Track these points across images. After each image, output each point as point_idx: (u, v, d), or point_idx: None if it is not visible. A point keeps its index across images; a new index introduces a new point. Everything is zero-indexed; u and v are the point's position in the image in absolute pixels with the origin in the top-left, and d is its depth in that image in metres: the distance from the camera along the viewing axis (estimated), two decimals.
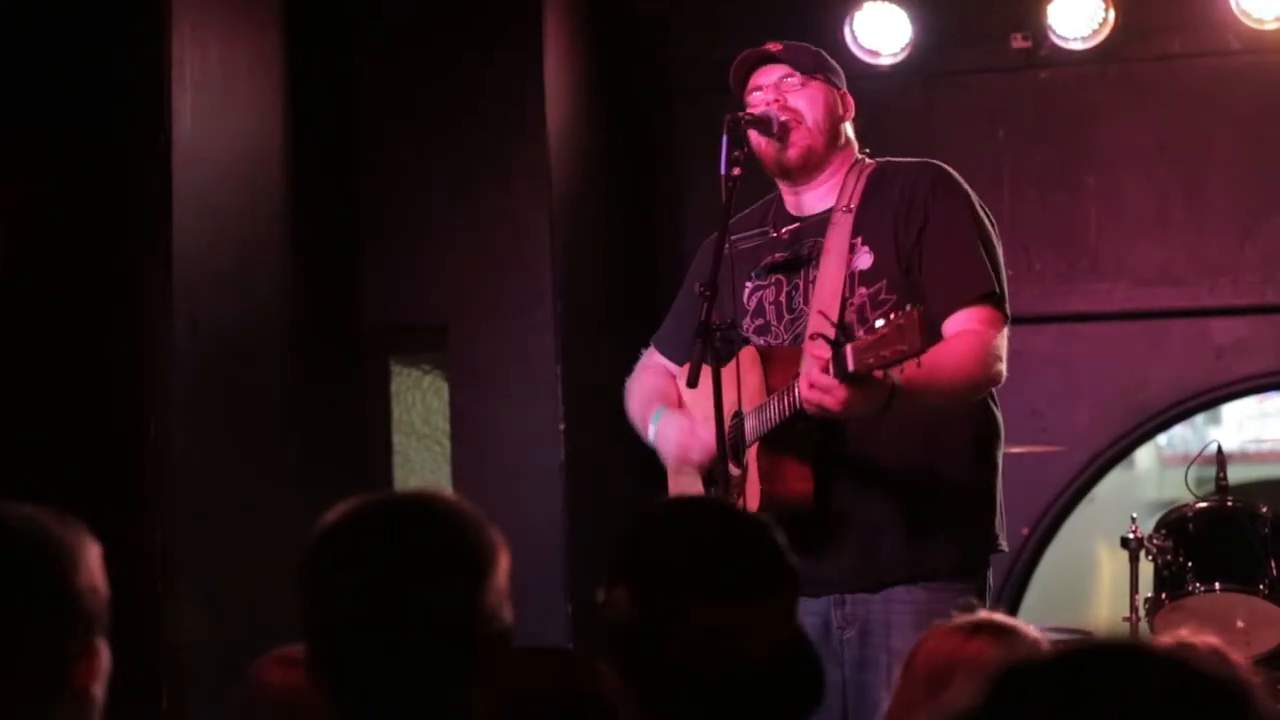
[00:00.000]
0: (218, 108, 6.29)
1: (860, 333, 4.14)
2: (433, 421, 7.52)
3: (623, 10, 7.98)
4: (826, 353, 3.97)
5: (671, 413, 4.67)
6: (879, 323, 3.90)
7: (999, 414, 4.57)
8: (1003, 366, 4.36)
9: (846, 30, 7.50)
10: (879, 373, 3.94)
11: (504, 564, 2.48)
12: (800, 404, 4.13)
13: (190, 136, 6.06)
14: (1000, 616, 3.15)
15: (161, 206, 5.95)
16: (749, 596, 2.63)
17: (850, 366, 3.93)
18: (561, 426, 7.03)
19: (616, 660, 2.62)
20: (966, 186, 4.56)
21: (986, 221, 4.53)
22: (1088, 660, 1.51)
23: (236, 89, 6.45)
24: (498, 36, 7.22)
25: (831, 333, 4.03)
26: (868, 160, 4.66)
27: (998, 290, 4.40)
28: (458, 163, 7.20)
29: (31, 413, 5.85)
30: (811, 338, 4.10)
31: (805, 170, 4.59)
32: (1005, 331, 4.41)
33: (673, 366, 4.85)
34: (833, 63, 4.71)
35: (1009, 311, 4.45)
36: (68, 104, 5.93)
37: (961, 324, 4.35)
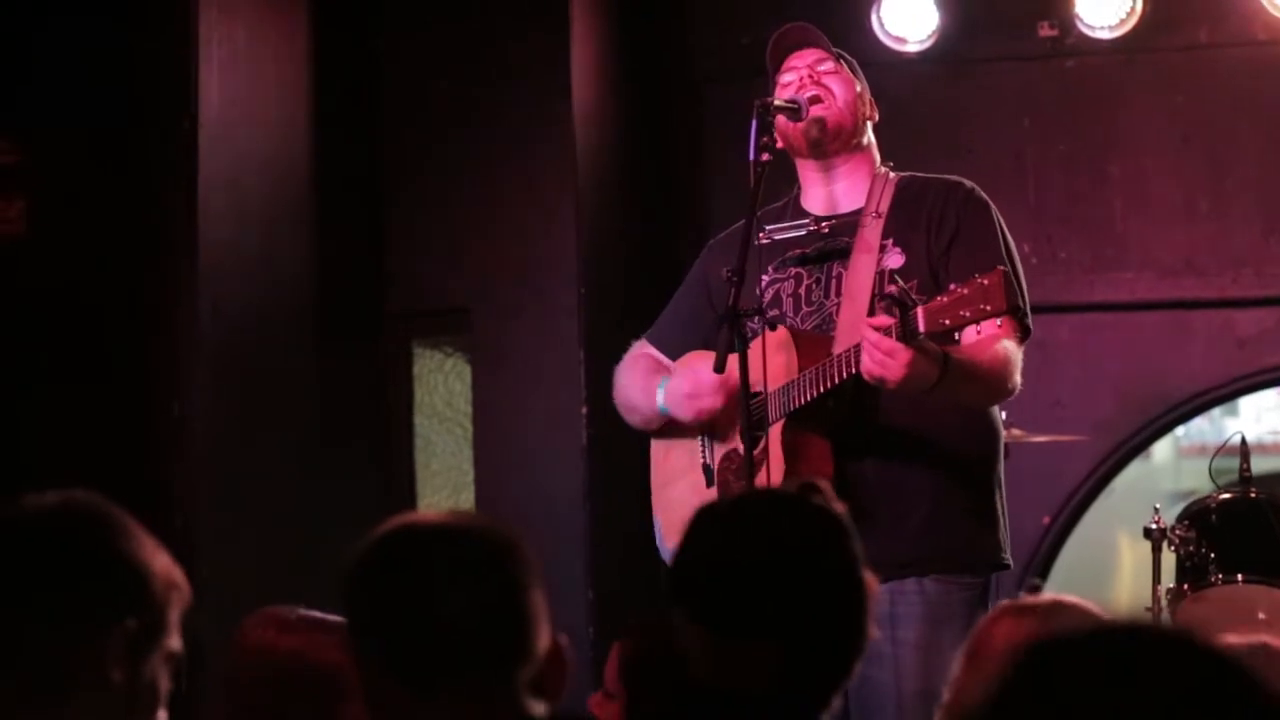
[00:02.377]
0: (244, 90, 6.30)
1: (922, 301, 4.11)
2: (455, 404, 7.52)
3: None
4: (888, 320, 3.98)
5: (675, 375, 4.67)
6: (954, 285, 3.93)
7: (1002, 435, 4.62)
8: (1019, 379, 4.40)
9: (874, 17, 7.49)
10: (934, 346, 3.98)
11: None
12: (843, 374, 4.16)
13: (217, 118, 6.07)
14: (1073, 598, 3.10)
15: (187, 188, 5.96)
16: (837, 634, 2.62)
17: (922, 327, 3.95)
18: (584, 410, 7.03)
19: (650, 679, 2.59)
20: (994, 206, 4.59)
21: (1010, 242, 4.56)
22: (1134, 648, 1.51)
23: (263, 72, 6.46)
24: (524, 20, 7.22)
25: (894, 303, 4.02)
26: (891, 173, 4.68)
27: (1022, 305, 4.41)
28: (483, 146, 7.21)
29: (55, 395, 5.86)
30: (882, 297, 4.08)
31: (832, 146, 4.60)
32: (1022, 349, 4.44)
33: (665, 359, 4.84)
34: (862, 73, 4.74)
35: (1030, 325, 4.48)
36: (95, 85, 5.94)
37: (990, 330, 4.34)
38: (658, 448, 4.85)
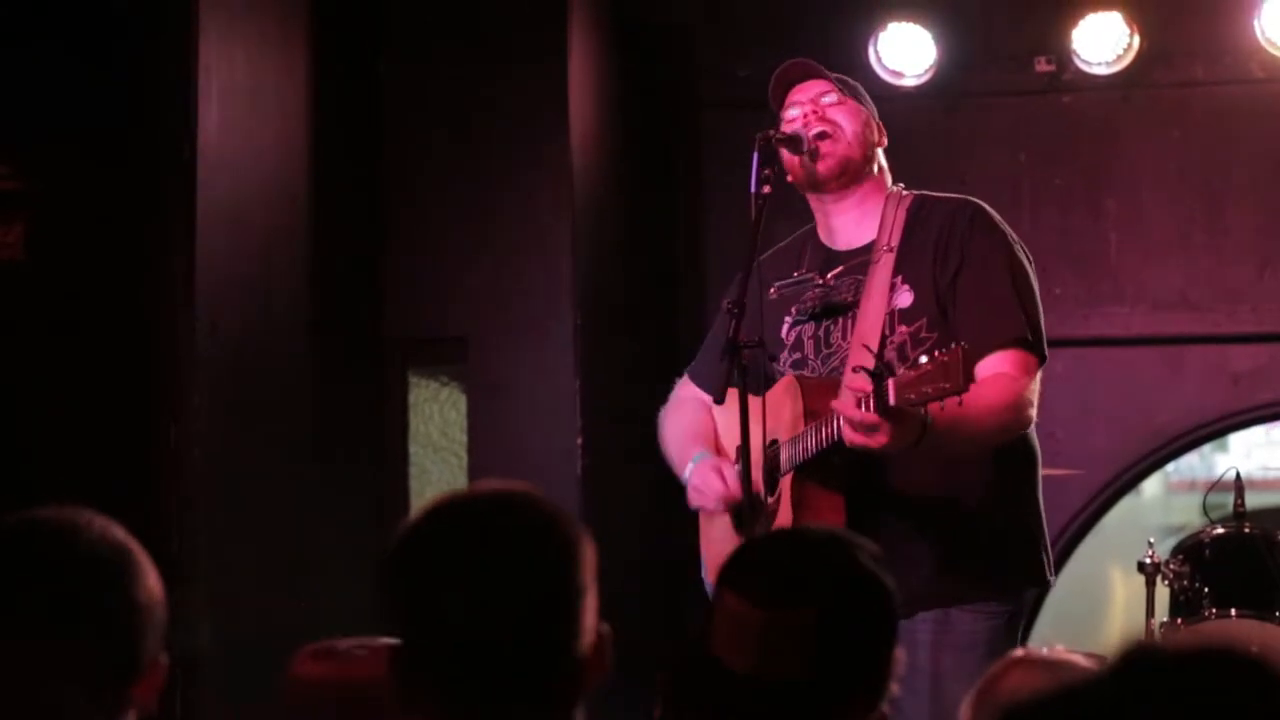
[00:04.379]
0: (244, 116, 6.31)
1: (901, 369, 4.14)
2: (450, 434, 7.52)
3: (647, 24, 8.00)
4: (867, 385, 3.97)
5: (707, 459, 4.64)
6: (923, 359, 3.91)
7: (1036, 444, 4.57)
8: (1033, 411, 4.39)
9: (871, 51, 7.52)
10: (915, 409, 3.96)
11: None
12: (839, 437, 4.14)
13: (216, 144, 6.08)
14: (1083, 655, 3.11)
15: (185, 212, 5.96)
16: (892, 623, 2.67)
17: (891, 400, 3.93)
18: (579, 441, 7.03)
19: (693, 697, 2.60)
20: (1004, 225, 4.56)
21: (1024, 260, 4.52)
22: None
23: (263, 98, 6.47)
24: (523, 48, 7.23)
25: (872, 364, 4.03)
26: (903, 192, 4.65)
27: (1030, 335, 4.40)
28: (481, 175, 7.21)
29: (51, 415, 5.86)
30: (854, 370, 4.08)
31: (840, 181, 4.59)
32: (1039, 375, 4.42)
33: (706, 397, 4.79)
34: (866, 95, 4.72)
35: (1045, 353, 4.45)
36: (94, 108, 5.94)
37: (994, 367, 4.34)
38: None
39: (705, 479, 4.57)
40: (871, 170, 4.63)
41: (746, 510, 4.29)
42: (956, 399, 3.85)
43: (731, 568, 2.68)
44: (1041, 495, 4.57)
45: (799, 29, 7.57)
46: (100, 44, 5.98)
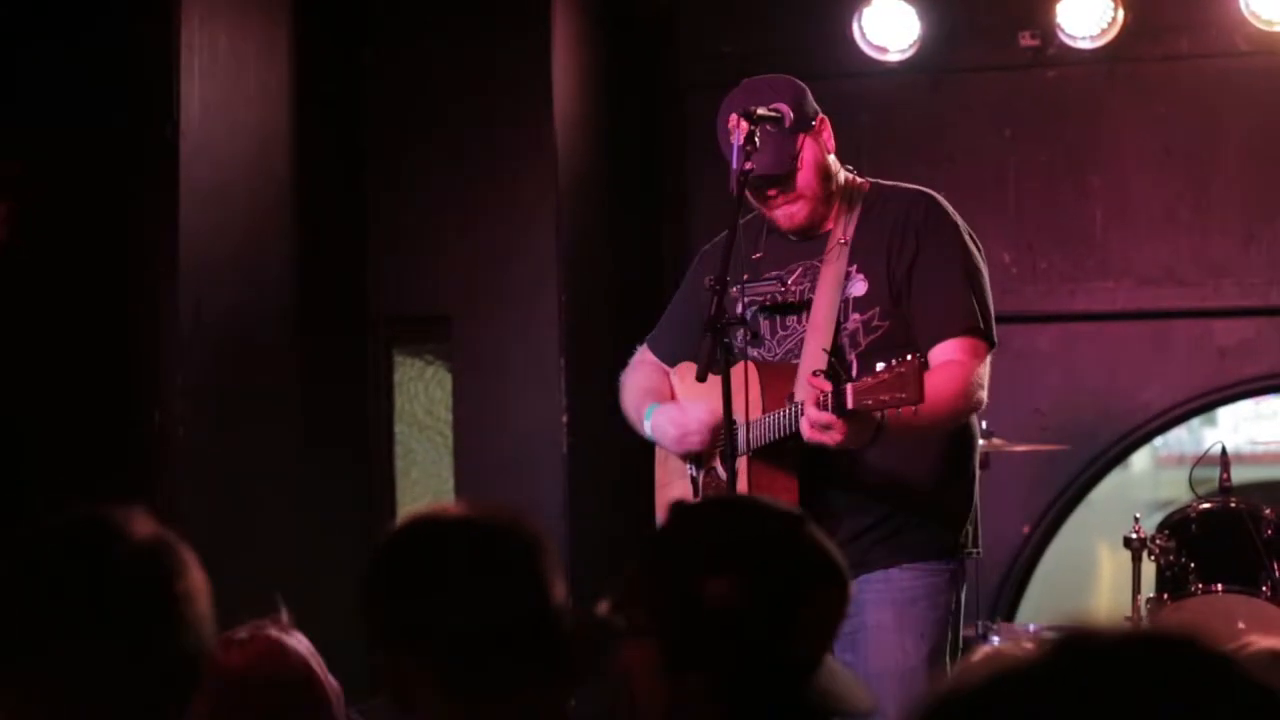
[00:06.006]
0: (226, 97, 6.29)
1: (856, 368, 4.35)
2: (435, 412, 7.51)
3: (631, 3, 7.98)
4: (827, 386, 4.11)
5: (662, 406, 4.80)
6: (879, 365, 4.06)
7: (975, 424, 4.72)
8: (984, 394, 4.52)
9: (855, 26, 7.49)
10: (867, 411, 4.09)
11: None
12: (795, 429, 4.27)
13: (198, 125, 6.06)
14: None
15: (169, 194, 5.95)
16: (839, 581, 2.68)
17: (849, 405, 4.06)
18: (565, 418, 7.03)
19: (714, 656, 2.58)
20: (956, 217, 4.65)
21: (974, 250, 4.63)
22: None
23: (245, 79, 6.45)
24: (506, 28, 7.22)
25: (828, 367, 4.20)
26: (857, 179, 4.72)
27: (981, 324, 4.53)
28: (464, 153, 7.21)
29: (35, 400, 5.85)
30: (814, 374, 4.20)
31: (809, 231, 4.68)
32: (988, 359, 4.55)
33: (664, 365, 4.98)
34: (797, 87, 4.66)
35: (995, 339, 4.58)
36: (77, 92, 5.93)
37: (947, 354, 4.48)
38: (659, 449, 4.93)
39: (668, 416, 4.71)
40: (831, 192, 4.66)
41: (731, 479, 4.34)
42: (912, 409, 4.01)
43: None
44: (976, 471, 4.72)
45: (782, 6, 7.55)
46: (83, 25, 5.96)
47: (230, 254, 6.31)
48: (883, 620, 4.47)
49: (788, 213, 4.61)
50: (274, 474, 6.49)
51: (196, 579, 2.34)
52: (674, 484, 4.84)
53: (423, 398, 7.55)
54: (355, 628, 2.52)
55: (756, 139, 4.43)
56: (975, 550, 4.69)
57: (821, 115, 4.68)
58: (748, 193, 4.52)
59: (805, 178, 4.60)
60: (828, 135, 4.68)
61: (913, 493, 4.57)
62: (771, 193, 4.59)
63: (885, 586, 4.50)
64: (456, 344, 7.33)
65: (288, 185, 6.71)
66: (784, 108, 4.54)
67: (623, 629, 2.53)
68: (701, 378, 4.25)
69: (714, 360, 4.26)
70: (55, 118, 5.93)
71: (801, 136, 4.59)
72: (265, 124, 6.60)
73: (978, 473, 4.73)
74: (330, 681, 3.22)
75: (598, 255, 7.48)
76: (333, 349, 7.14)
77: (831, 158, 4.68)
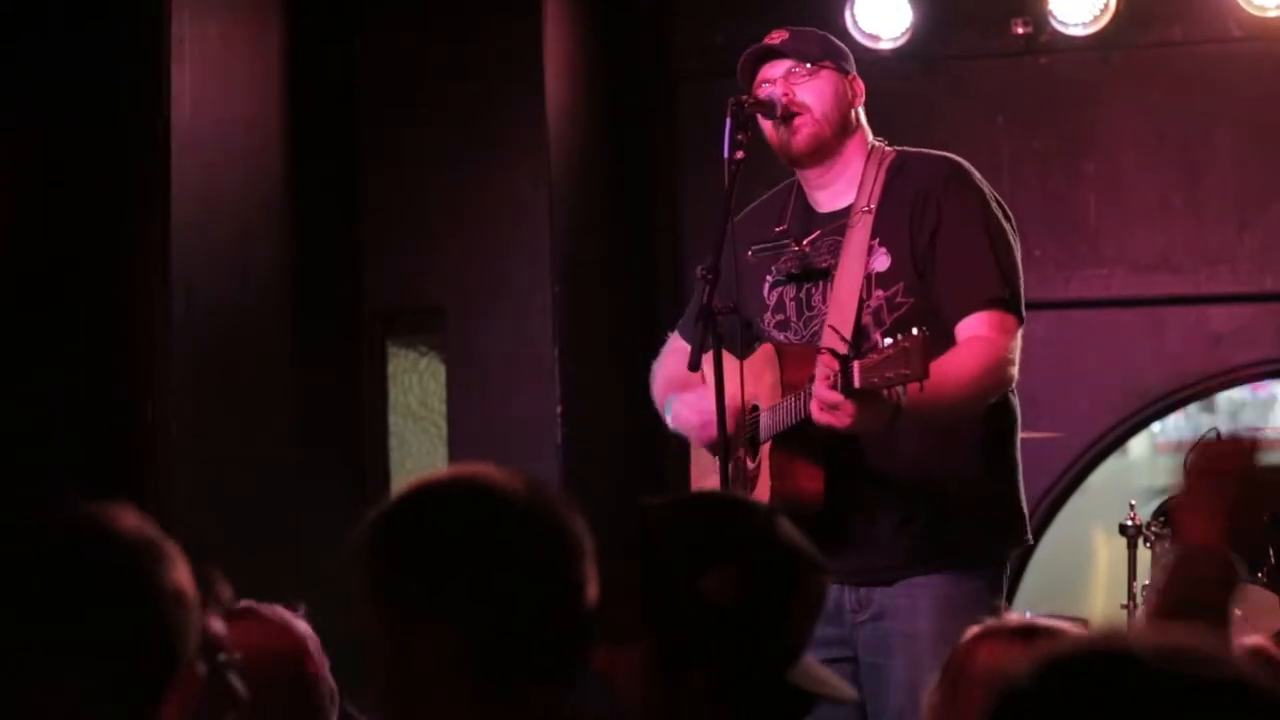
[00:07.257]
0: (217, 88, 6.28)
1: (871, 344, 4.11)
2: (430, 404, 7.50)
3: None
4: (836, 365, 3.95)
5: (681, 395, 4.64)
6: (886, 341, 3.88)
7: (1016, 405, 4.53)
8: (1014, 370, 4.34)
9: (847, 14, 7.48)
10: (885, 390, 3.93)
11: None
12: (809, 412, 4.11)
13: (189, 116, 6.05)
14: (1053, 621, 3.08)
15: (160, 185, 5.94)
16: (822, 569, 2.66)
17: (856, 383, 3.91)
18: (559, 410, 7.02)
19: (714, 654, 2.56)
20: (983, 183, 4.49)
21: (1002, 219, 4.47)
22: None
23: (236, 69, 6.44)
24: (498, 18, 7.21)
25: (841, 346, 4.03)
26: (885, 148, 4.58)
27: (1008, 295, 4.36)
28: (457, 144, 7.19)
29: (27, 392, 5.83)
30: (823, 351, 4.05)
31: (815, 158, 4.51)
32: (1019, 334, 4.38)
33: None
34: (840, 46, 4.62)
35: (1023, 313, 4.41)
36: (67, 82, 5.91)
37: (972, 329, 4.31)
38: (693, 459, 4.83)
39: (688, 404, 4.57)
40: (846, 139, 4.54)
41: (724, 472, 4.28)
42: (917, 385, 3.83)
43: None
44: (1020, 456, 4.54)
45: None
46: (73, 14, 5.95)
47: (222, 245, 6.30)
48: (919, 629, 4.28)
49: (794, 125, 4.46)
50: (267, 466, 6.48)
51: (182, 575, 2.30)
52: (709, 476, 4.64)
53: (417, 389, 7.54)
54: (349, 620, 2.48)
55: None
56: (1027, 539, 4.54)
57: (856, 76, 4.58)
58: (762, 119, 4.45)
59: (815, 97, 4.47)
60: (860, 90, 4.57)
61: (950, 485, 4.38)
62: (770, 78, 4.48)
63: (924, 592, 4.33)
64: (450, 335, 7.32)
65: (279, 177, 6.70)
66: (777, 95, 4.49)
67: (609, 634, 2.48)
68: (692, 367, 4.20)
69: (705, 349, 4.20)
70: (44, 108, 5.91)
71: (824, 68, 4.51)
72: (256, 117, 6.59)
73: (1020, 460, 4.54)
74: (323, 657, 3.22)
75: (591, 244, 7.46)
76: (326, 341, 7.13)
77: (859, 111, 4.56)
